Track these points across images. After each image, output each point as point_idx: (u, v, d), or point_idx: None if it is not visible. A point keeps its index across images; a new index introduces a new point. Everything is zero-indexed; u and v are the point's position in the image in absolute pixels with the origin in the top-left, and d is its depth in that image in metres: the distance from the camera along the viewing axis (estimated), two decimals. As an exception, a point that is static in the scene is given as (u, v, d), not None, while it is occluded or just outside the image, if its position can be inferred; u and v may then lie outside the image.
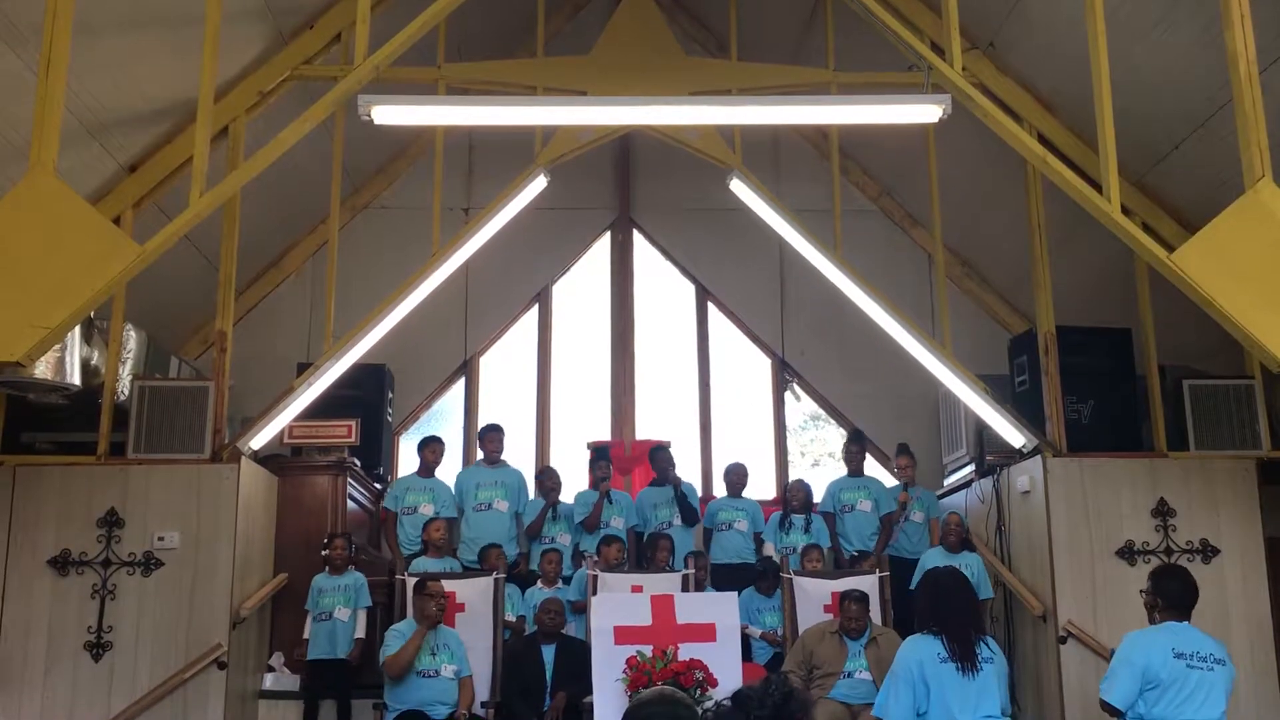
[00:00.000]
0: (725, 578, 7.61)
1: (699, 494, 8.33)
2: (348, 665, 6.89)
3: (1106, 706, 4.84)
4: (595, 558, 7.30)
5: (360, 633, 6.95)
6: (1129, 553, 6.87)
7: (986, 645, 4.64)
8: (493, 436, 8.05)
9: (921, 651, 4.59)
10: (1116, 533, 6.90)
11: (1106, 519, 6.92)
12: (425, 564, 7.24)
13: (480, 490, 7.82)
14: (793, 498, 7.95)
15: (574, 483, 8.31)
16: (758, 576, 7.48)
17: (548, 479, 8.06)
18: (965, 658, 4.53)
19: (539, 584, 7.36)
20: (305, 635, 6.97)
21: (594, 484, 8.03)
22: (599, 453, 8.31)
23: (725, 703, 2.39)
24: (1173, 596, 4.95)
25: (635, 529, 7.98)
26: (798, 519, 7.87)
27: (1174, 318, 7.09)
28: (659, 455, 8.22)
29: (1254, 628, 6.60)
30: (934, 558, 7.23)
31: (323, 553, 7.09)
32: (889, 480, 8.33)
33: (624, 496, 8.18)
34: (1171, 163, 7.19)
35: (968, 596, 4.87)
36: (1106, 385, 7.47)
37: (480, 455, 8.14)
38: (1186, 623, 4.90)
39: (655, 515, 7.99)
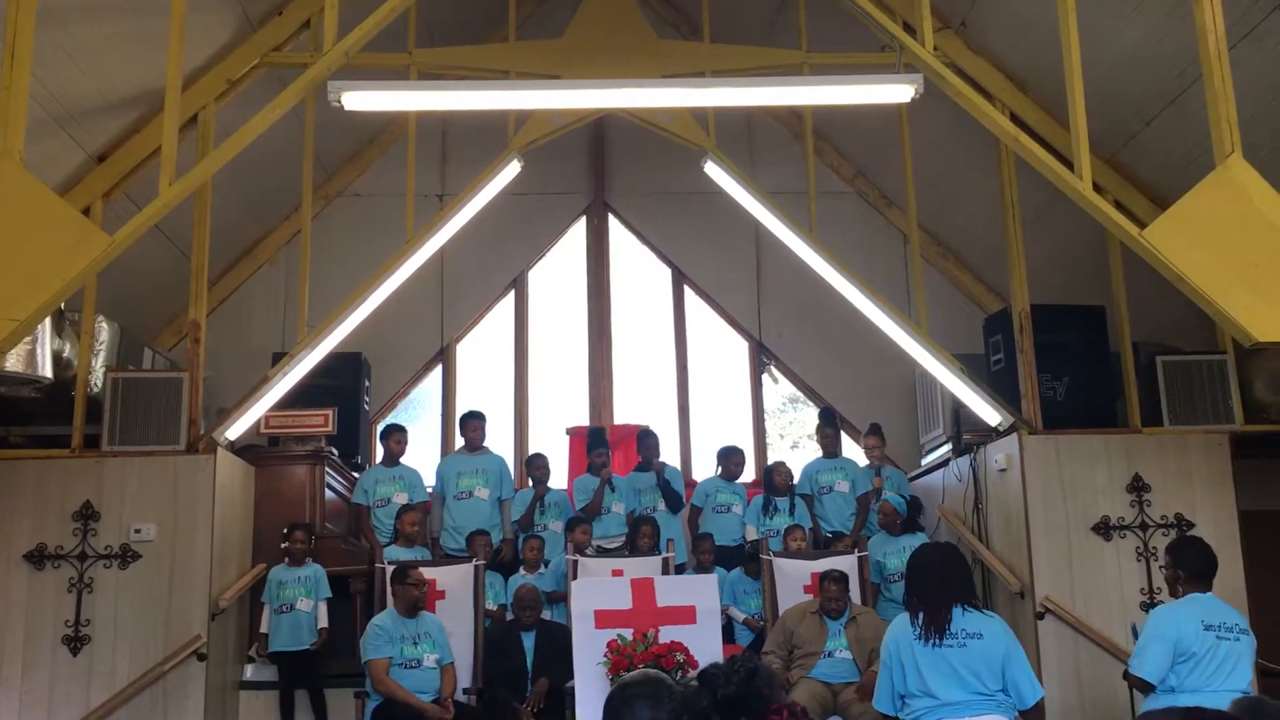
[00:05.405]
0: (721, 559, 7.62)
1: (682, 478, 8.33)
2: (316, 655, 6.91)
3: (1137, 681, 4.82)
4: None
5: (324, 622, 6.97)
6: (1105, 528, 6.92)
7: (967, 618, 4.32)
8: (474, 424, 8.03)
9: (895, 632, 4.46)
10: (1092, 508, 6.96)
11: (1082, 495, 6.97)
12: (396, 553, 7.23)
13: (461, 478, 7.84)
14: (779, 479, 7.93)
15: (555, 467, 8.28)
16: (748, 559, 7.51)
17: (536, 467, 8.03)
18: (929, 631, 4.29)
19: (521, 570, 7.37)
20: (264, 629, 6.94)
21: (592, 469, 8.00)
22: (595, 437, 8.25)
23: (692, 683, 2.40)
24: (1194, 567, 4.96)
25: (633, 513, 7.95)
26: (782, 502, 7.88)
27: (1147, 294, 7.13)
28: (645, 441, 8.23)
29: (1228, 600, 6.62)
30: (877, 545, 7.39)
31: (283, 545, 7.05)
32: (864, 460, 8.37)
33: (623, 482, 8.17)
34: (1143, 140, 7.23)
35: (944, 570, 4.50)
36: (1081, 362, 7.51)
37: (461, 442, 8.12)
38: (1210, 593, 4.93)
39: (640, 499, 8.02)
